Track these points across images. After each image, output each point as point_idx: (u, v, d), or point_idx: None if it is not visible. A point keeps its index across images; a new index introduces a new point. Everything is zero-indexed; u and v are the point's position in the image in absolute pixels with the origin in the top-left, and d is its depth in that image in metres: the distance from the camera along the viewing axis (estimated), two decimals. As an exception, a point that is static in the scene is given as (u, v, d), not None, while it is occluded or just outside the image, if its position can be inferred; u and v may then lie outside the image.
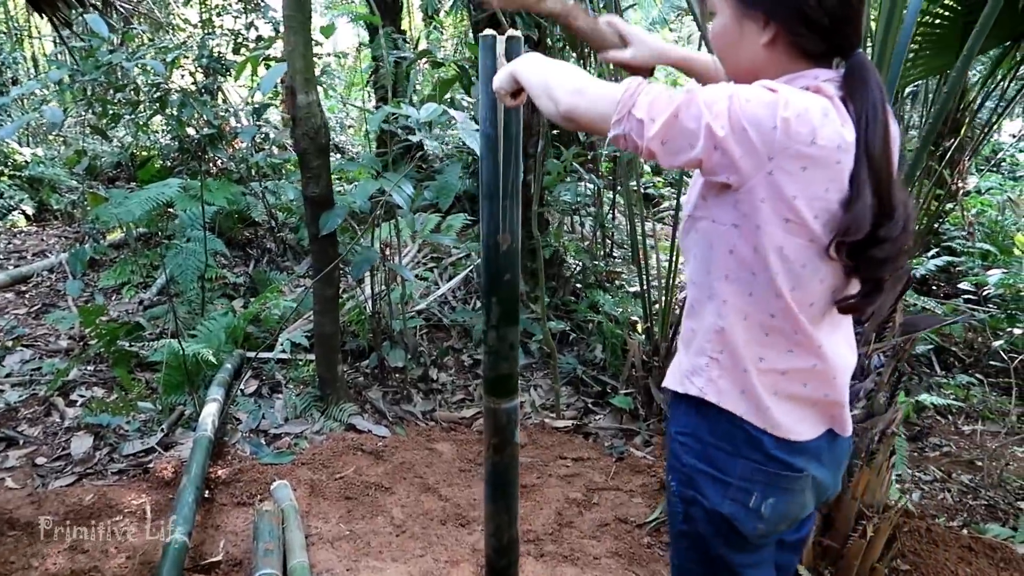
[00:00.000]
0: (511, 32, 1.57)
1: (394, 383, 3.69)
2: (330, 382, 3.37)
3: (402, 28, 8.44)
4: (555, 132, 4.80)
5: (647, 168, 7.15)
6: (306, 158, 3.05)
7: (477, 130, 2.68)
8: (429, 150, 2.66)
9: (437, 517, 2.64)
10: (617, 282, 4.88)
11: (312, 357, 3.73)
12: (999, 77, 4.37)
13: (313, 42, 3.04)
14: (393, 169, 3.32)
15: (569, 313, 4.57)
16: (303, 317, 4.28)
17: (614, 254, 5.43)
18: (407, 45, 8.45)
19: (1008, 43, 3.68)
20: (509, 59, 1.56)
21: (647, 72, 1.52)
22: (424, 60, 4.36)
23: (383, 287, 3.81)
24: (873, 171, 1.10)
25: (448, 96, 4.79)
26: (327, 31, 3.19)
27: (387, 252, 4.24)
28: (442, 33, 10.36)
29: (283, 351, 3.69)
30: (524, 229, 4.58)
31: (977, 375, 4.11)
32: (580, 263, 4.73)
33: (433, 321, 4.57)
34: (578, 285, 4.68)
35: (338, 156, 9.10)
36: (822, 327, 1.20)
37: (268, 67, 4.83)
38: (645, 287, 3.47)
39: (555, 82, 1.22)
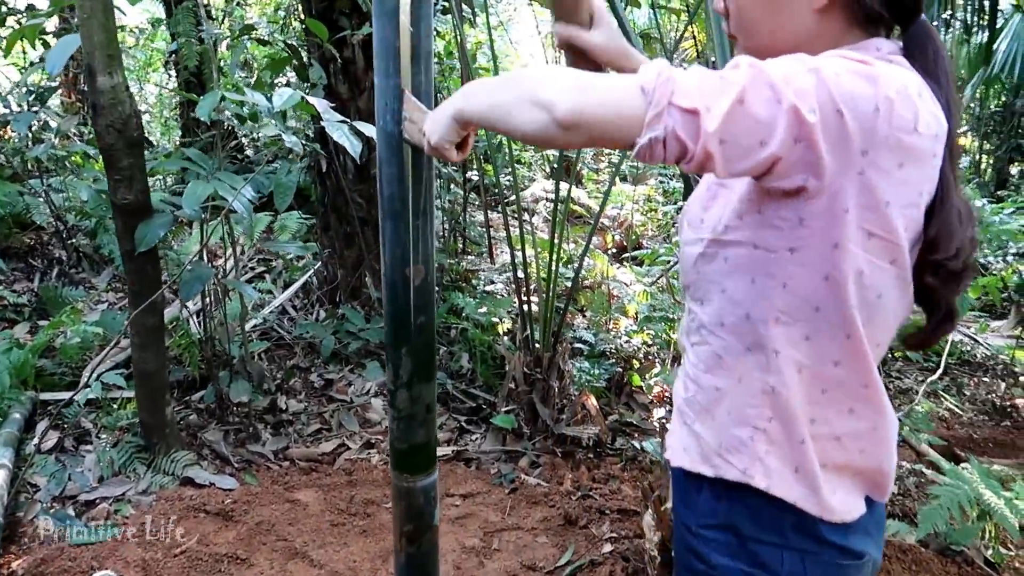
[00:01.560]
0: None
1: (236, 418, 3.13)
2: (156, 427, 2.77)
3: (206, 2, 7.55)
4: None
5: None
6: (114, 155, 2.43)
7: (342, 121, 2.24)
8: (289, 145, 2.16)
9: (311, 590, 2.19)
10: (473, 281, 4.56)
11: (130, 395, 3.08)
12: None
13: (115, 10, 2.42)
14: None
15: (427, 319, 4.19)
16: (112, 345, 3.56)
17: (467, 252, 5.09)
18: (213, 22, 7.59)
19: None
20: (416, 25, 1.16)
21: (595, 69, 1.17)
22: (244, 37, 3.76)
23: (213, 304, 3.22)
24: (954, 167, 0.86)
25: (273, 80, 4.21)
26: (133, -3, 2.56)
27: (215, 262, 3.63)
28: (245, 9, 9.49)
29: (90, 392, 3.01)
30: (378, 227, 4.14)
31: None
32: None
33: (272, 338, 4.01)
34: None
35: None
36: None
37: (44, 43, 3.99)
38: (523, 291, 3.17)
39: (533, 85, 0.84)
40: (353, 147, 2.10)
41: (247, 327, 3.70)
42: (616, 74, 0.84)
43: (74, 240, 4.81)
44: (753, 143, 0.77)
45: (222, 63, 8.08)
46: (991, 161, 9.80)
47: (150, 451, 2.78)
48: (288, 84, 3.69)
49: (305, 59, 4.04)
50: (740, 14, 0.94)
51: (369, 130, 2.18)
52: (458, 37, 3.58)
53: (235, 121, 2.96)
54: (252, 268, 4.92)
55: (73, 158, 5.14)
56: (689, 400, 1.02)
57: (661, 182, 8.04)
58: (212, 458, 2.91)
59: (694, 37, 6.48)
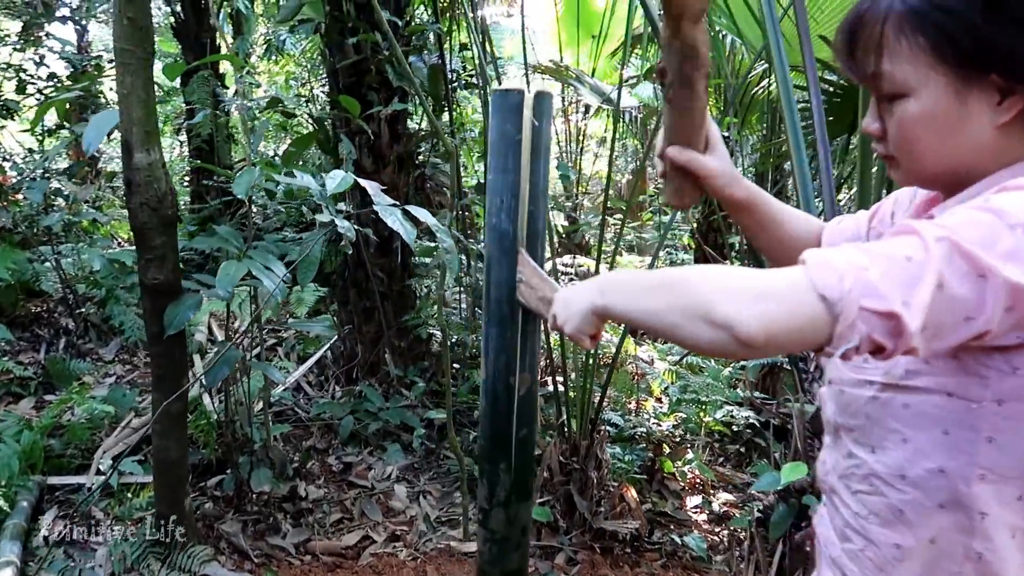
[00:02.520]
0: (540, 88, 1.10)
1: (255, 507, 2.95)
2: (174, 520, 2.59)
3: (220, 72, 7.61)
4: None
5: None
6: (146, 234, 2.33)
7: (394, 205, 2.15)
8: (342, 231, 2.07)
9: None
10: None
11: (144, 480, 2.92)
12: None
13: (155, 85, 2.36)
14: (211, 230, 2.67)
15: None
16: (123, 424, 3.41)
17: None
18: (225, 91, 7.63)
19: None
20: (539, 118, 1.08)
21: (694, 200, 1.08)
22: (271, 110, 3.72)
23: (234, 385, 3.08)
24: None
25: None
26: (173, 71, 2.50)
27: (230, 336, 3.50)
28: (256, 78, 9.59)
29: (104, 478, 2.84)
30: (401, 302, 4.04)
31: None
32: (455, 338, 4.23)
33: (288, 417, 3.85)
34: (455, 365, 4.17)
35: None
36: None
37: (61, 112, 3.95)
38: (557, 373, 3.04)
39: (702, 301, 0.71)
40: (408, 233, 2.01)
41: (260, 407, 3.55)
42: (776, 271, 0.72)
43: (83, 309, 4.68)
44: (957, 321, 0.67)
45: (235, 133, 8.09)
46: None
47: (165, 545, 2.59)
48: (319, 162, 3.63)
49: (330, 133, 4.00)
50: (906, 137, 0.82)
51: (423, 215, 2.10)
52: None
53: (265, 196, 2.88)
54: (264, 341, 4.78)
55: (82, 225, 5.06)
56: (854, 554, 0.90)
57: (669, 254, 8.01)
58: (230, 552, 2.73)
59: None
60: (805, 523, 1.74)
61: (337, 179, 2.02)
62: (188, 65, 2.78)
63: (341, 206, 2.15)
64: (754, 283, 0.70)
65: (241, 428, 3.03)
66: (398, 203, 2.09)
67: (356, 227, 2.16)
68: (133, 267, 4.81)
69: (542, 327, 1.23)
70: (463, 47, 4.43)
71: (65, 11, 6.65)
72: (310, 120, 3.90)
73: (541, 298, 1.07)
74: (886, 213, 1.04)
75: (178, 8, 6.44)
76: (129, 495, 2.85)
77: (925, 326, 0.66)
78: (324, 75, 8.04)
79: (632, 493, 3.03)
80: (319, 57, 7.75)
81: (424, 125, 4.61)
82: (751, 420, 3.63)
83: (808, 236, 1.15)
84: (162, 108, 9.44)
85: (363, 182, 2.07)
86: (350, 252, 3.16)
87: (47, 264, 4.74)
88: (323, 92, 8.21)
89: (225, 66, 7.92)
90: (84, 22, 8.31)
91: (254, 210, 7.88)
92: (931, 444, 0.80)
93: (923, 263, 0.66)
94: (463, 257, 3.91)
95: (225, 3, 7.13)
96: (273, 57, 9.24)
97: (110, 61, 5.06)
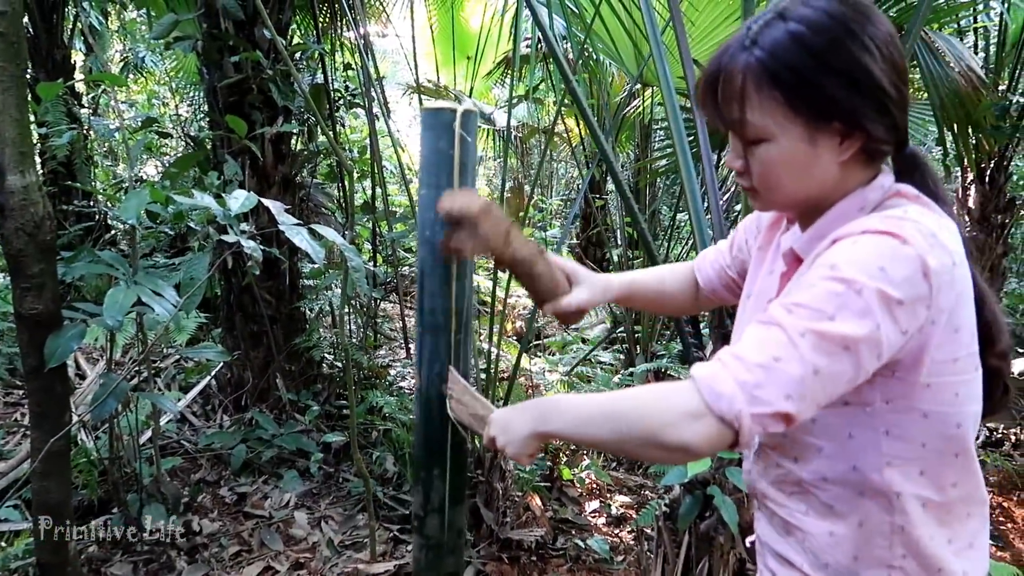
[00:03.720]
0: (466, 106, 1.15)
1: (145, 547, 2.79)
2: (57, 567, 2.42)
3: (76, 91, 7.17)
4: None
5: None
6: (22, 262, 2.18)
7: (298, 224, 2.13)
8: (248, 251, 2.02)
9: None
10: (388, 378, 4.39)
11: (17, 528, 2.70)
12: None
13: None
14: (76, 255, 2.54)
15: (343, 420, 3.98)
16: (-12, 469, 3.14)
17: (379, 346, 4.93)
18: (83, 110, 7.19)
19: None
20: (470, 137, 1.14)
21: (582, 316, 1.26)
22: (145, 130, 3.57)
23: (116, 419, 2.90)
24: (972, 254, 0.93)
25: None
26: (49, 91, 2.36)
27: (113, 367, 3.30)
28: (115, 95, 9.08)
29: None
30: (291, 325, 3.96)
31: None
32: (344, 360, 4.16)
33: (174, 450, 3.67)
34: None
35: None
36: None
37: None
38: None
39: (641, 422, 0.85)
40: (316, 252, 1.99)
41: (144, 439, 3.37)
42: (659, 386, 0.88)
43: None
44: (839, 385, 0.81)
45: (95, 155, 7.62)
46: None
47: (48, 595, 2.41)
48: (197, 180, 3.49)
49: (210, 153, 3.87)
50: (767, 175, 0.94)
51: (329, 233, 2.09)
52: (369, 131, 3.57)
53: (146, 219, 2.75)
54: (140, 374, 4.52)
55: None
56: (797, 545, 1.00)
57: (551, 269, 8.20)
58: (121, 596, 2.57)
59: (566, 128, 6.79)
60: (709, 513, 1.86)
61: (240, 199, 1.98)
62: (57, 84, 2.58)
63: (243, 226, 2.09)
64: (679, 405, 0.83)
65: (128, 463, 2.87)
66: (302, 222, 2.07)
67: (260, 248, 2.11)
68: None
69: (472, 334, 1.27)
70: (347, 67, 4.41)
71: None
72: (187, 140, 3.76)
73: (473, 415, 1.14)
74: (743, 241, 1.22)
75: (26, 22, 6.02)
76: (3, 544, 2.63)
77: (811, 404, 0.80)
78: (191, 94, 7.74)
79: (537, 501, 3.10)
80: (185, 76, 7.47)
81: (308, 146, 4.54)
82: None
83: (686, 285, 1.34)
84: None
85: (267, 201, 2.04)
86: (257, 273, 3.07)
87: None
88: (190, 111, 7.90)
89: (79, 85, 7.48)
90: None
91: (121, 236, 7.44)
92: (842, 447, 0.92)
93: (793, 360, 0.78)
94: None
95: (77, 19, 6.75)
96: (131, 75, 8.81)
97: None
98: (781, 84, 0.87)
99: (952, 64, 3.20)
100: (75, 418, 2.28)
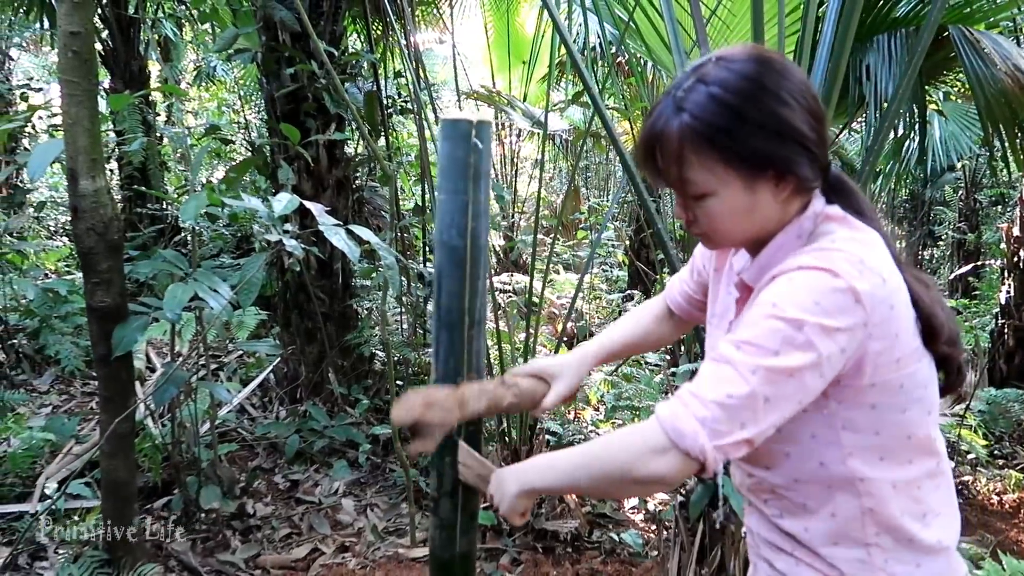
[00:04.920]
0: (483, 116, 1.25)
1: (203, 526, 3.00)
2: (122, 540, 2.62)
3: (151, 100, 7.57)
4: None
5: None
6: (92, 259, 2.39)
7: (338, 224, 2.27)
8: (289, 249, 2.18)
9: None
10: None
11: (89, 505, 2.93)
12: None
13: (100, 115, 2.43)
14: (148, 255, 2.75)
15: (390, 414, 4.13)
16: (65, 451, 3.40)
17: (428, 344, 5.08)
18: (156, 118, 7.58)
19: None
20: (483, 146, 1.24)
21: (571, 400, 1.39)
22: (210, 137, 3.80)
23: (179, 407, 3.12)
24: (900, 258, 1.01)
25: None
26: (118, 101, 2.58)
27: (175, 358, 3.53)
28: (183, 104, 9.53)
29: (50, 502, 2.84)
30: (343, 322, 4.13)
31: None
32: (398, 355, 4.33)
33: (233, 438, 3.89)
34: (398, 382, 4.27)
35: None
36: None
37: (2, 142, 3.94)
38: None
39: (613, 464, 0.96)
40: (352, 252, 2.13)
41: (205, 428, 3.59)
42: (649, 430, 0.95)
43: (14, 340, 4.61)
44: (791, 407, 0.91)
45: (168, 160, 8.03)
46: (905, 246, 10.46)
47: (114, 566, 2.62)
48: (256, 184, 3.71)
49: (268, 158, 4.09)
50: (714, 224, 1.01)
51: (366, 234, 2.23)
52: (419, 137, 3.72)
53: (206, 222, 2.96)
54: (202, 366, 4.79)
55: (8, 256, 4.99)
56: (779, 542, 1.09)
57: (604, 270, 8.26)
58: (180, 569, 2.77)
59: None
60: (722, 502, 1.92)
61: (283, 201, 2.14)
62: (125, 95, 2.81)
63: (287, 227, 2.25)
64: (646, 442, 0.93)
65: (188, 448, 3.08)
66: (341, 223, 2.22)
67: (303, 247, 2.27)
68: (67, 296, 4.77)
69: (485, 332, 1.38)
70: (397, 74, 4.58)
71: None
72: (248, 146, 3.98)
73: (479, 475, 1.26)
74: (700, 266, 1.32)
75: (106, 35, 6.40)
76: (76, 518, 2.86)
77: (767, 428, 0.90)
78: (258, 102, 8.08)
79: (573, 495, 3.18)
80: (253, 84, 7.80)
81: (361, 150, 4.73)
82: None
83: (663, 318, 1.44)
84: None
85: (308, 204, 2.19)
86: (297, 270, 3.25)
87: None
88: (257, 118, 8.25)
89: (155, 93, 7.89)
90: (6, 49, 8.17)
91: (191, 237, 7.83)
92: (806, 449, 1.00)
93: (745, 394, 0.87)
94: (403, 278, 4.03)
95: (154, 31, 7.12)
96: (203, 84, 9.23)
97: (37, 89, 5.03)
98: (713, 145, 0.94)
99: (999, 64, 3.16)
100: (139, 403, 2.47)
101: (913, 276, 0.99)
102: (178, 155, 9.09)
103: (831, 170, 1.03)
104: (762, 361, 0.87)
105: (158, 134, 6.41)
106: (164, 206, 7.30)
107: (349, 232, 2.19)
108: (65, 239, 8.71)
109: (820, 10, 2.53)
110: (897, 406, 0.95)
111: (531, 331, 3.48)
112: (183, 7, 7.31)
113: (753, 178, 0.96)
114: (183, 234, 7.32)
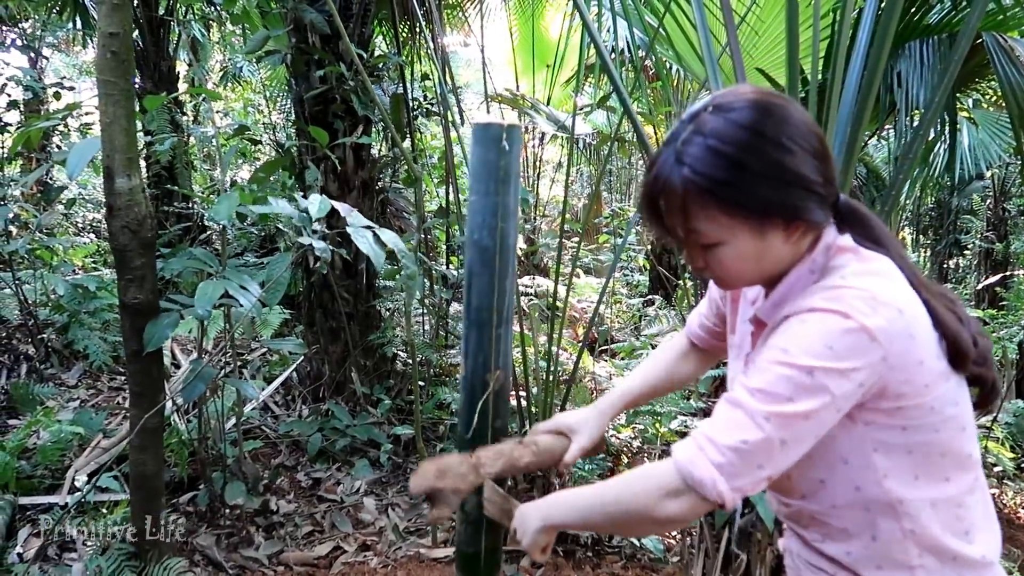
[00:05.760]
0: (513, 120, 1.27)
1: (228, 522, 3.03)
2: (150, 534, 2.66)
3: (179, 100, 7.66)
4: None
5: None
6: (126, 256, 2.42)
7: (367, 227, 2.30)
8: (319, 253, 2.20)
9: None
10: (456, 377, 4.56)
11: (118, 498, 2.97)
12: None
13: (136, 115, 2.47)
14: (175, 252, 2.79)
15: (413, 414, 4.15)
16: (93, 445, 3.45)
17: (450, 346, 5.11)
18: (184, 118, 7.67)
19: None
20: (512, 149, 1.26)
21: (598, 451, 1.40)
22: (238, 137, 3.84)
23: (205, 404, 3.16)
24: (921, 288, 0.98)
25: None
26: (153, 102, 2.62)
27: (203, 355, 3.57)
28: (210, 105, 9.64)
29: (80, 494, 2.89)
30: (366, 322, 4.16)
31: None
32: (421, 356, 4.36)
33: (256, 435, 3.93)
34: (420, 383, 4.29)
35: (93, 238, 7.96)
36: None
37: (36, 140, 4.02)
38: (524, 393, 3.20)
39: (633, 505, 0.99)
40: (377, 256, 2.15)
41: (230, 425, 3.63)
42: (663, 472, 0.98)
43: (44, 335, 4.69)
44: (808, 444, 0.92)
45: (195, 159, 8.11)
46: (930, 255, 10.33)
47: (141, 558, 2.66)
48: (284, 184, 3.75)
49: (295, 159, 4.13)
50: (728, 270, 1.01)
51: (390, 239, 2.25)
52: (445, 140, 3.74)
53: (235, 221, 2.99)
54: (228, 363, 4.84)
55: (38, 252, 5.07)
56: (820, 565, 1.08)
57: (625, 275, 8.25)
58: (205, 564, 2.80)
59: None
60: (748, 510, 1.92)
61: (316, 204, 2.16)
62: (161, 96, 2.85)
63: (315, 227, 2.27)
64: (663, 485, 0.95)
65: (214, 444, 3.12)
66: (378, 225, 2.24)
67: (331, 248, 2.29)
68: (96, 292, 4.84)
69: (513, 330, 1.39)
70: (424, 77, 4.61)
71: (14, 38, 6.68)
72: (276, 147, 4.02)
73: (502, 510, 1.28)
74: (716, 297, 1.33)
75: (136, 36, 6.49)
76: (104, 511, 2.90)
77: (785, 465, 0.92)
78: (284, 103, 8.16)
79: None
80: (279, 85, 7.88)
81: (385, 152, 4.77)
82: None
83: (689, 355, 1.43)
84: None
85: (338, 205, 2.22)
86: (325, 272, 3.28)
87: (6, 291, 4.75)
88: (281, 118, 8.32)
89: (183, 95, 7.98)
90: (39, 48, 8.29)
91: (216, 236, 7.92)
92: (840, 474, 1.00)
93: (760, 440, 0.89)
94: (426, 280, 4.06)
95: (183, 32, 7.22)
96: (229, 84, 9.33)
97: (69, 88, 5.11)
98: (717, 197, 0.93)
99: (1032, 71, 3.12)
100: (168, 398, 2.51)
101: (935, 295, 0.98)
102: (204, 154, 9.21)
103: (840, 201, 1.02)
104: (775, 408, 0.89)
105: (186, 134, 6.48)
106: (190, 204, 7.39)
107: (375, 236, 2.21)
108: (93, 235, 8.85)
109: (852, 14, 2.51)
110: (929, 426, 0.94)
111: (553, 335, 3.48)
112: (212, 8, 7.41)
113: (762, 225, 0.95)
114: (207, 232, 7.41)
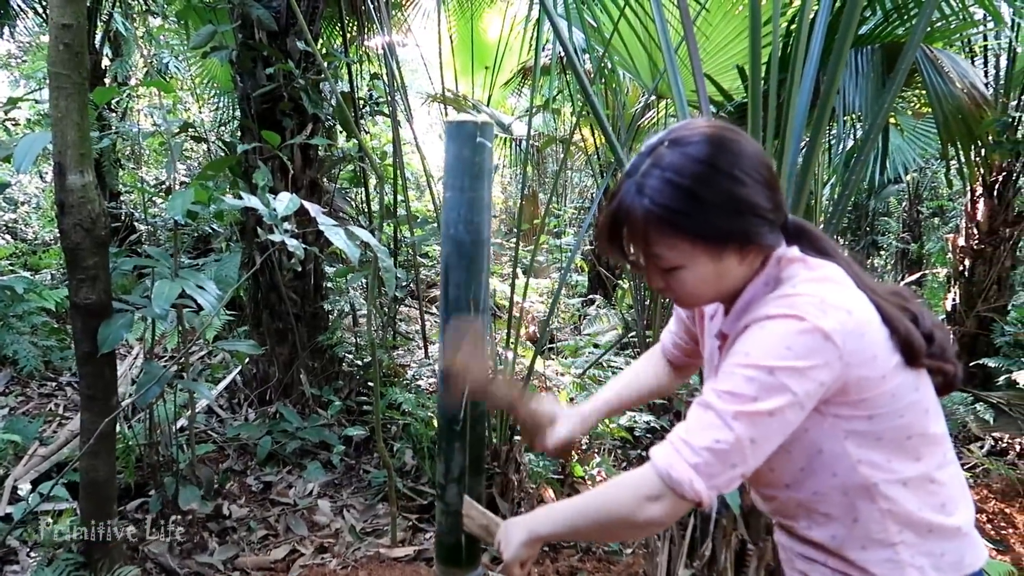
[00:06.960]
0: (484, 118, 1.30)
1: (179, 528, 2.95)
2: (100, 542, 2.58)
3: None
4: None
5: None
6: (78, 255, 2.35)
7: (336, 225, 2.28)
8: (292, 250, 2.18)
9: None
10: (404, 377, 4.55)
11: (62, 507, 2.87)
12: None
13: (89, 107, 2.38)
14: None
15: (363, 415, 4.13)
16: (30, 454, 3.31)
17: (397, 346, 5.09)
18: (112, 115, 7.40)
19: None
20: (486, 146, 1.30)
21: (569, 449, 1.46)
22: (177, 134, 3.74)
23: (155, 406, 3.07)
24: (868, 283, 1.08)
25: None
26: (103, 95, 2.54)
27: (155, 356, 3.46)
28: (135, 102, 9.32)
29: (27, 504, 2.77)
30: (314, 323, 4.11)
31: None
32: (368, 357, 4.33)
33: (203, 439, 3.83)
34: (370, 384, 4.26)
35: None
36: None
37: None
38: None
39: (626, 513, 1.03)
40: (352, 252, 2.14)
41: (175, 429, 3.53)
42: (645, 477, 1.03)
43: (-34, 341, 4.45)
44: (778, 440, 0.99)
45: (122, 158, 7.83)
46: (848, 255, 10.81)
47: (91, 568, 2.57)
48: (234, 183, 3.66)
49: (242, 157, 4.04)
50: (688, 291, 1.09)
51: (363, 235, 2.24)
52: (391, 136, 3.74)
53: (186, 218, 2.91)
54: (180, 365, 4.70)
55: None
56: (812, 553, 1.16)
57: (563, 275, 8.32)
58: (158, 572, 2.73)
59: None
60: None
61: (285, 201, 2.14)
62: (112, 88, 2.75)
63: (286, 225, 2.24)
64: (643, 490, 1.01)
65: (165, 448, 3.03)
66: (339, 223, 2.23)
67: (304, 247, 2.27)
68: (24, 295, 4.63)
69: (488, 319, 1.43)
70: (374, 76, 4.58)
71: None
72: (220, 145, 3.93)
73: (482, 526, 1.35)
74: (683, 315, 1.40)
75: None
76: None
77: (757, 460, 0.98)
78: (215, 99, 7.96)
79: (550, 493, 3.24)
80: (209, 82, 7.68)
81: (331, 151, 4.71)
82: (651, 424, 3.94)
83: (662, 370, 1.49)
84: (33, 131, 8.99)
85: (307, 204, 2.20)
86: (299, 269, 3.23)
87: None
88: (212, 116, 8.12)
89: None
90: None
91: (146, 236, 7.62)
92: (817, 463, 1.08)
93: (731, 439, 0.96)
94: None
95: (108, 25, 6.96)
96: (152, 79, 9.02)
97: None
98: (675, 227, 1.00)
99: (956, 82, 3.33)
100: (129, 401, 2.44)
101: (884, 295, 1.06)
102: (129, 152, 8.88)
103: (789, 221, 1.11)
104: (742, 407, 0.95)
105: (114, 131, 6.26)
106: (118, 204, 7.14)
107: (348, 232, 2.21)
108: (9, 237, 8.43)
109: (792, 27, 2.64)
110: (894, 413, 1.02)
111: (509, 333, 3.52)
112: (139, 2, 7.17)
113: (718, 250, 1.03)
114: (136, 233, 7.17)
